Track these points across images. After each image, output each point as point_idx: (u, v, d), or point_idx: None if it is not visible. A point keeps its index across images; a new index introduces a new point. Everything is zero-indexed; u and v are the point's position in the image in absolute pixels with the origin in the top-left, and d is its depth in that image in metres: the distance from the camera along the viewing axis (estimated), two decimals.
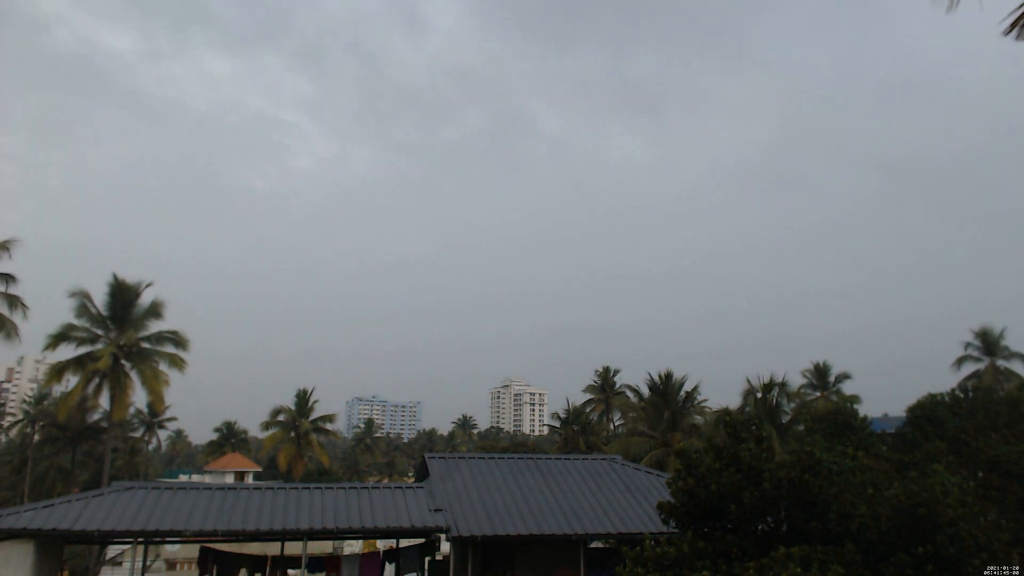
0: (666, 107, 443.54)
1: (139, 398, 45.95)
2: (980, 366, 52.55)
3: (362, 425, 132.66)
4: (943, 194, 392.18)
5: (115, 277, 41.85)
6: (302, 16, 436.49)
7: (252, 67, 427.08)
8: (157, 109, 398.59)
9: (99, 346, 40.80)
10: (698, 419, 46.59)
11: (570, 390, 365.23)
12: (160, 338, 42.28)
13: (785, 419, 40.71)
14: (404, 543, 25.78)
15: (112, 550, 44.77)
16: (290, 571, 26.51)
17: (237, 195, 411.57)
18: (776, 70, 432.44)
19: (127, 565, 40.27)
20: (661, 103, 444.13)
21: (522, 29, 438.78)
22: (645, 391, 48.41)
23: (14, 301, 37.61)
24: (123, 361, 41.35)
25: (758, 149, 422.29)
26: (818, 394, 56.87)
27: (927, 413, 21.35)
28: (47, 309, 43.67)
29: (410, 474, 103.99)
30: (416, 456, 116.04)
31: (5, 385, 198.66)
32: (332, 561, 23.94)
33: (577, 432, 63.51)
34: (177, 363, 41.82)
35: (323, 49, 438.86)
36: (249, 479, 64.33)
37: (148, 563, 27.29)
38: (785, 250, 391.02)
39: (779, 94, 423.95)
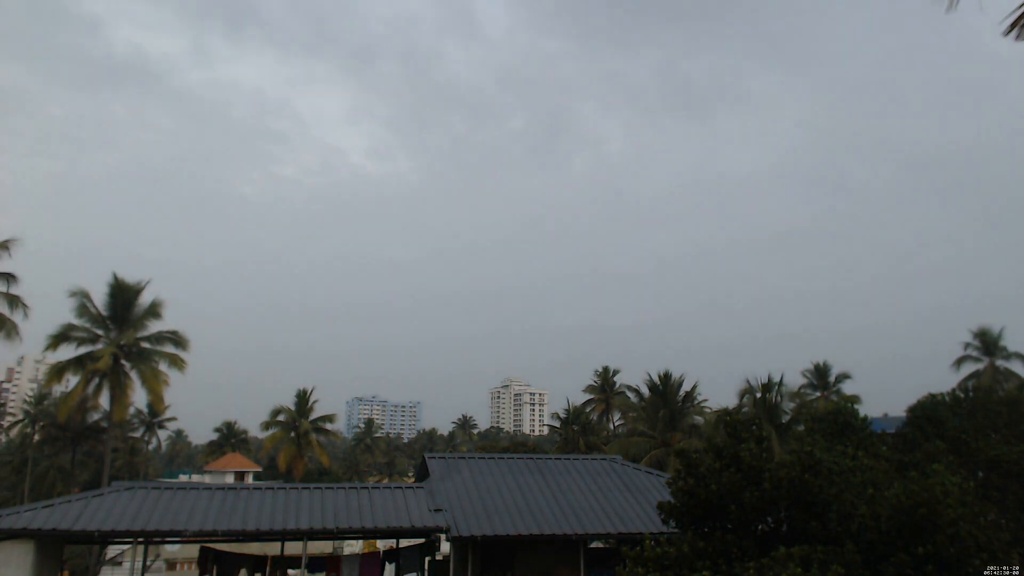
0: (712, 106, 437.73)
1: (139, 398, 46.05)
2: (979, 366, 52.62)
3: (362, 425, 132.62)
4: (949, 193, 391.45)
5: (115, 277, 41.88)
6: (350, 20, 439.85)
7: (297, 71, 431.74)
8: (203, 112, 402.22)
9: (99, 346, 40.80)
10: (698, 419, 46.64)
11: (570, 390, 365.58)
12: (160, 338, 42.29)
13: (785, 419, 40.75)
14: (404, 543, 25.78)
15: (112, 550, 44.75)
16: (290, 571, 26.50)
17: (246, 199, 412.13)
18: (829, 69, 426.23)
19: (127, 565, 40.24)
20: (706, 103, 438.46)
21: (574, 30, 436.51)
22: (645, 391, 48.48)
23: (15, 301, 37.62)
24: (123, 361, 41.36)
25: (789, 149, 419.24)
26: (818, 394, 56.92)
27: (927, 413, 21.31)
28: (47, 309, 43.70)
29: (410, 474, 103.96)
30: (416, 456, 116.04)
31: (5, 385, 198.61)
32: (332, 561, 23.94)
33: (577, 432, 63.52)
34: (177, 363, 41.83)
35: (370, 53, 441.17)
36: (249, 479, 64.31)
37: (148, 563, 27.29)
38: (786, 249, 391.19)
39: (825, 93, 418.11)
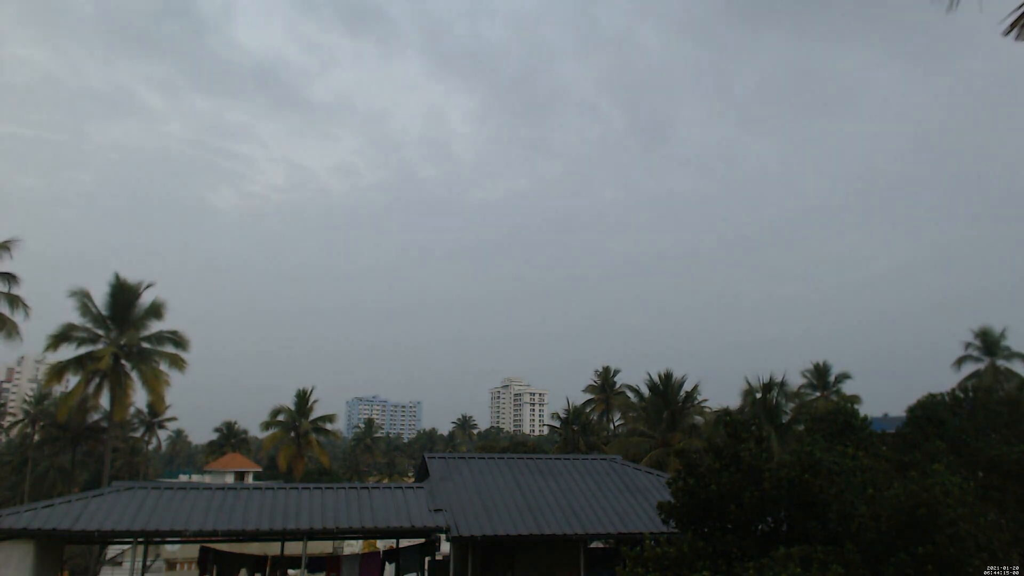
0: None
1: (139, 398, 45.98)
2: (980, 366, 52.54)
3: (362, 425, 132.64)
4: (954, 192, 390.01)
5: (116, 277, 41.86)
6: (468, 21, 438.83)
7: (396, 74, 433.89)
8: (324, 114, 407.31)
9: (99, 346, 40.77)
10: (698, 419, 46.60)
11: (570, 390, 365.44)
12: (160, 338, 42.26)
13: (785, 419, 40.72)
14: (404, 543, 25.78)
15: (112, 550, 44.76)
16: (290, 571, 26.52)
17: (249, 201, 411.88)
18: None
19: (127, 565, 40.25)
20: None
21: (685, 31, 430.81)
22: (645, 391, 48.44)
23: (15, 301, 37.60)
24: (123, 361, 41.34)
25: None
26: (818, 394, 56.93)
27: (927, 413, 21.32)
28: (47, 309, 43.69)
29: (410, 474, 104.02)
30: (416, 456, 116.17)
31: (5, 385, 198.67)
32: (332, 561, 23.95)
33: (577, 432, 63.53)
34: (177, 363, 41.80)
35: (474, 52, 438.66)
36: (249, 479, 64.30)
37: (148, 563, 27.29)
38: (786, 248, 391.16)
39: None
